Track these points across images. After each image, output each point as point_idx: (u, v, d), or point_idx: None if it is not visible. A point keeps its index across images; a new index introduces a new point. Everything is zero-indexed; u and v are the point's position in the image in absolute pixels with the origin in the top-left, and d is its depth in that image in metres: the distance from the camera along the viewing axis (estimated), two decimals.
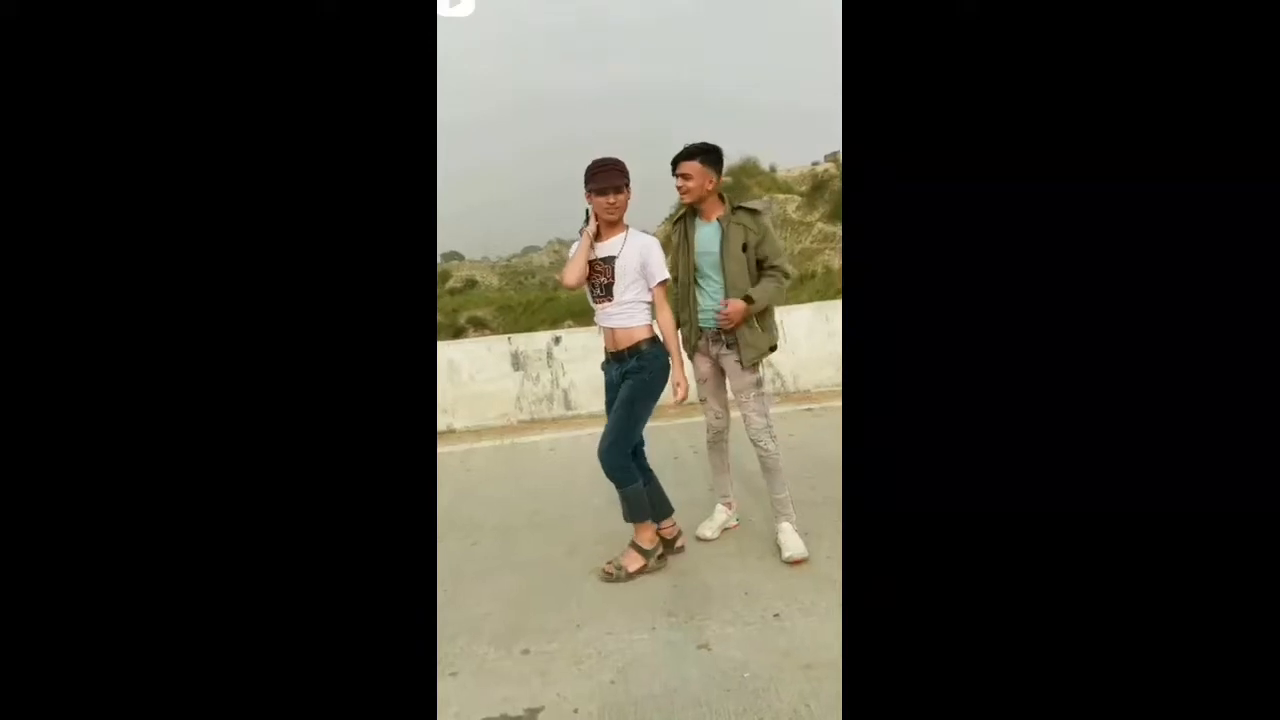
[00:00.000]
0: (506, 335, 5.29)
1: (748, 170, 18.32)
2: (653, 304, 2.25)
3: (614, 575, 2.23)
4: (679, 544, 2.40)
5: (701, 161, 2.25)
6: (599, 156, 2.19)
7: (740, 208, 2.33)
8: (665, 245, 2.38)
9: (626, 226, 2.23)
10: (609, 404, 2.31)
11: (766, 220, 2.35)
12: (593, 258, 2.22)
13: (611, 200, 2.15)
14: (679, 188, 2.29)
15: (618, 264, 2.18)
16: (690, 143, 2.27)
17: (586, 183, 2.17)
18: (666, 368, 2.23)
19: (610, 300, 2.20)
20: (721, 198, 2.32)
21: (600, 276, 2.21)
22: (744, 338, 2.29)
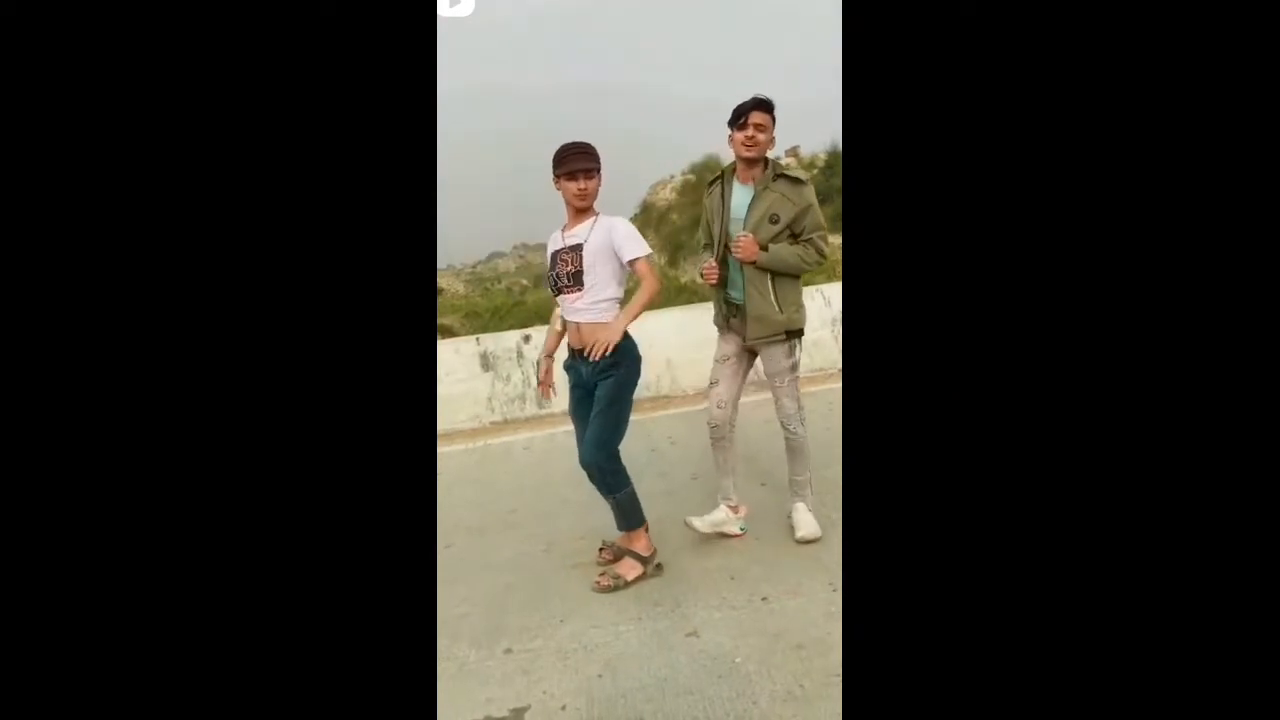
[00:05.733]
0: (474, 336, 5.16)
1: (710, 166, 18.49)
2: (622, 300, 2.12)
3: (613, 585, 2.08)
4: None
5: (772, 115, 2.08)
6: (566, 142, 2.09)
7: (781, 175, 2.13)
8: (702, 211, 2.27)
9: (596, 213, 2.13)
10: (575, 404, 2.20)
11: (809, 192, 2.13)
12: (560, 247, 2.13)
13: (582, 186, 2.05)
14: (749, 140, 2.07)
15: (586, 249, 2.07)
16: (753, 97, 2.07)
17: (555, 168, 2.07)
18: (639, 359, 2.12)
19: (580, 289, 2.07)
20: (765, 161, 2.16)
21: (567, 266, 2.09)
22: (753, 306, 2.14)
